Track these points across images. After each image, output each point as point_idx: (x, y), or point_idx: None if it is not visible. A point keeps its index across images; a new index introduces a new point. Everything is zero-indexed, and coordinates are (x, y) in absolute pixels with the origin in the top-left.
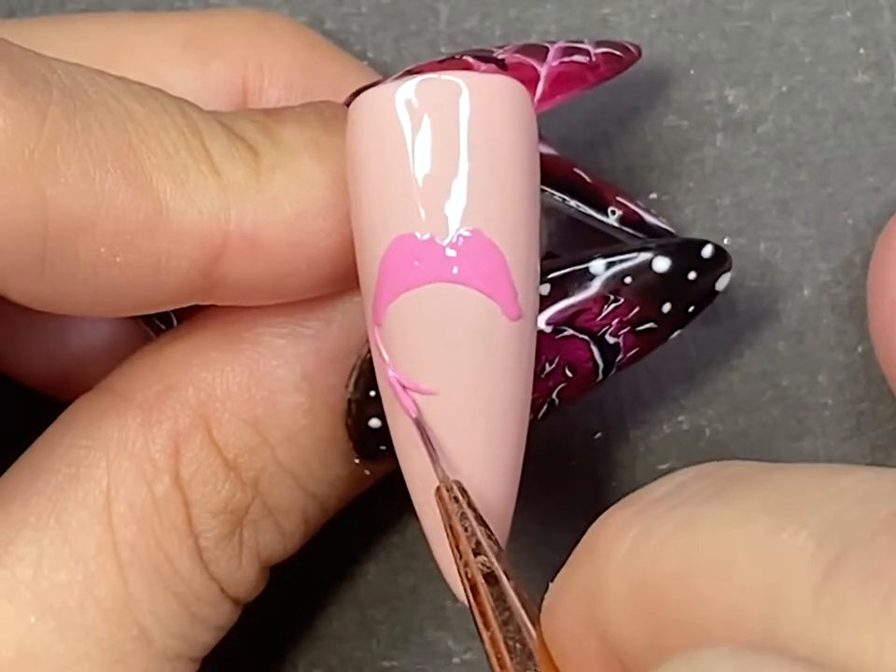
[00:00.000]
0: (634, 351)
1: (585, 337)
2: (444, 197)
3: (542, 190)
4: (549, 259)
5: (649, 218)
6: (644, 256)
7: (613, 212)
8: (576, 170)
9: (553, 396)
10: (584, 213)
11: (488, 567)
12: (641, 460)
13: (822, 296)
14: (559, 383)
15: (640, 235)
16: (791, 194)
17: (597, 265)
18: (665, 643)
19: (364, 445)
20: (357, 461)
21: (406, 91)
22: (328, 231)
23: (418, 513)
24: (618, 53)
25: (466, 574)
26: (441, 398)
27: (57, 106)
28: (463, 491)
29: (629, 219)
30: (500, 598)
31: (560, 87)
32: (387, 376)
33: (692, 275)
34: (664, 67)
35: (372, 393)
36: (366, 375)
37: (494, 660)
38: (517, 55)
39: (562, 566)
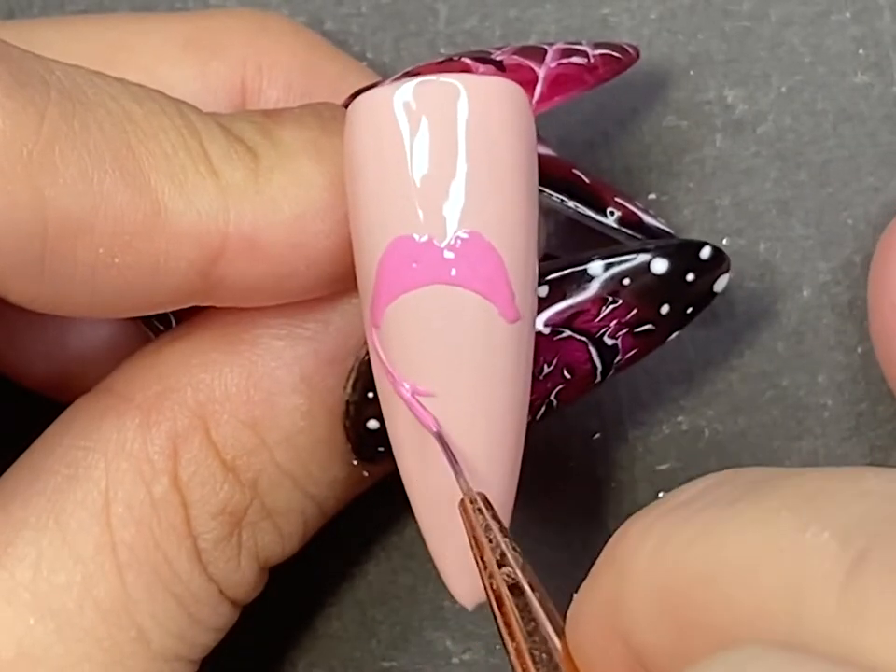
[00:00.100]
0: (632, 352)
1: (583, 338)
2: (442, 199)
3: (541, 191)
4: (547, 261)
5: (647, 219)
6: (642, 257)
7: (612, 213)
8: (574, 171)
9: (552, 397)
10: (583, 214)
11: (513, 579)
12: (640, 461)
13: (822, 296)
14: (557, 384)
15: (639, 236)
16: (791, 194)
17: (595, 267)
18: (689, 648)
19: (362, 447)
20: (355, 462)
21: (404, 92)
22: (326, 232)
23: (416, 514)
24: (616, 55)
25: (490, 585)
26: (439, 399)
27: (55, 108)
28: (487, 503)
29: (628, 220)
30: (525, 609)
31: (558, 88)
32: (401, 392)
33: (690, 277)
34: (663, 67)
35: (370, 395)
36: (364, 377)
37: (516, 663)
38: (515, 57)
39: (562, 565)
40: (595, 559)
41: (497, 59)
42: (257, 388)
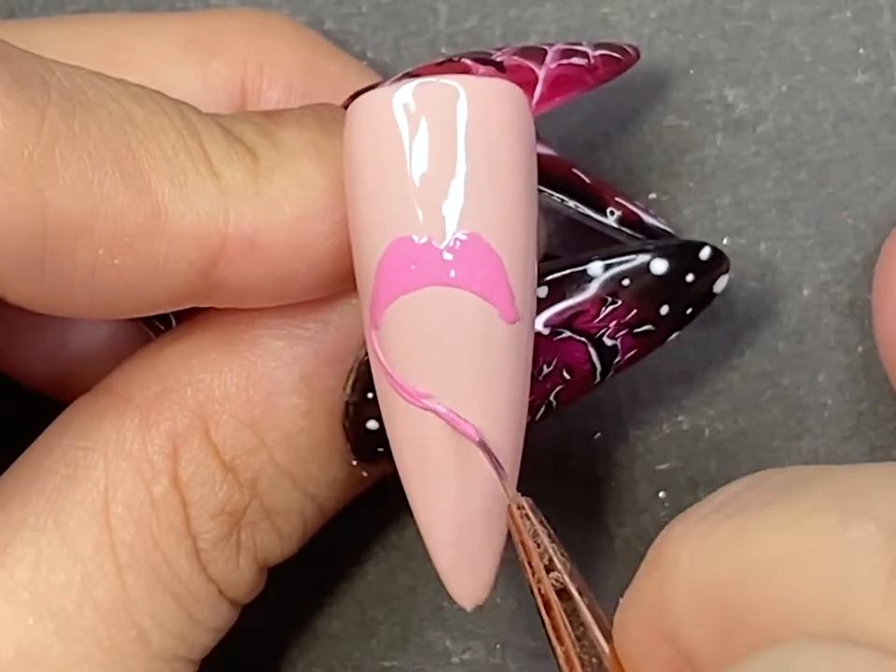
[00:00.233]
0: (632, 353)
1: (583, 339)
2: (442, 200)
3: (541, 191)
4: (547, 261)
5: (647, 219)
6: (642, 258)
7: (612, 212)
8: (575, 171)
9: (551, 398)
10: (583, 213)
11: (560, 584)
12: (640, 460)
13: (822, 296)
14: (557, 384)
15: (639, 236)
16: (791, 194)
17: (595, 267)
18: (733, 647)
19: (362, 447)
20: (354, 463)
21: (403, 94)
22: (326, 233)
23: (414, 515)
24: (616, 55)
25: (539, 590)
26: (438, 400)
27: (56, 108)
28: (533, 508)
29: (628, 220)
30: (573, 614)
31: (558, 89)
32: (436, 409)
33: (689, 277)
34: (663, 67)
35: (370, 395)
36: (363, 378)
37: (565, 667)
38: (515, 57)
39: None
40: (594, 560)
41: (498, 60)
42: (256, 388)
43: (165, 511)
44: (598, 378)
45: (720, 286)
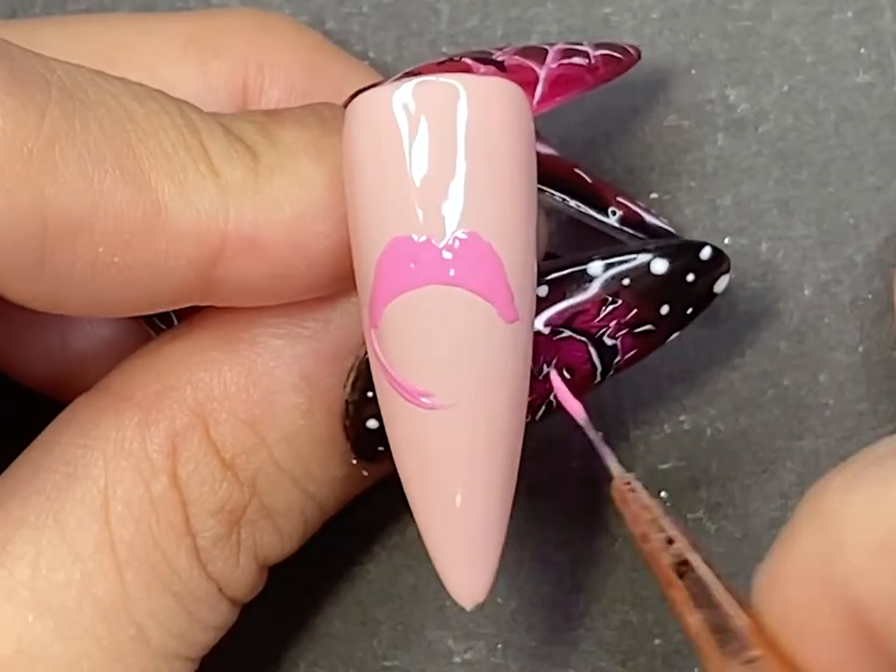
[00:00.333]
0: (632, 353)
1: (583, 338)
2: (441, 199)
3: (542, 191)
4: (547, 261)
5: (649, 218)
6: (642, 258)
7: (614, 212)
8: (576, 170)
9: (551, 397)
10: (585, 213)
11: (680, 556)
12: (642, 460)
13: (823, 295)
14: None
15: (641, 235)
16: (793, 194)
17: (596, 267)
18: None
19: (362, 446)
20: (354, 462)
21: (403, 93)
22: (326, 232)
23: (414, 514)
24: (617, 55)
25: (661, 564)
26: (437, 399)
27: (56, 106)
28: (641, 486)
29: (629, 219)
30: (698, 585)
31: (559, 89)
32: (551, 377)
33: (690, 277)
34: (665, 67)
35: (370, 394)
36: (364, 376)
37: (706, 643)
38: (516, 57)
39: (563, 565)
40: (595, 560)
41: (499, 59)
42: (256, 387)
43: (165, 509)
44: (599, 378)
45: (720, 286)
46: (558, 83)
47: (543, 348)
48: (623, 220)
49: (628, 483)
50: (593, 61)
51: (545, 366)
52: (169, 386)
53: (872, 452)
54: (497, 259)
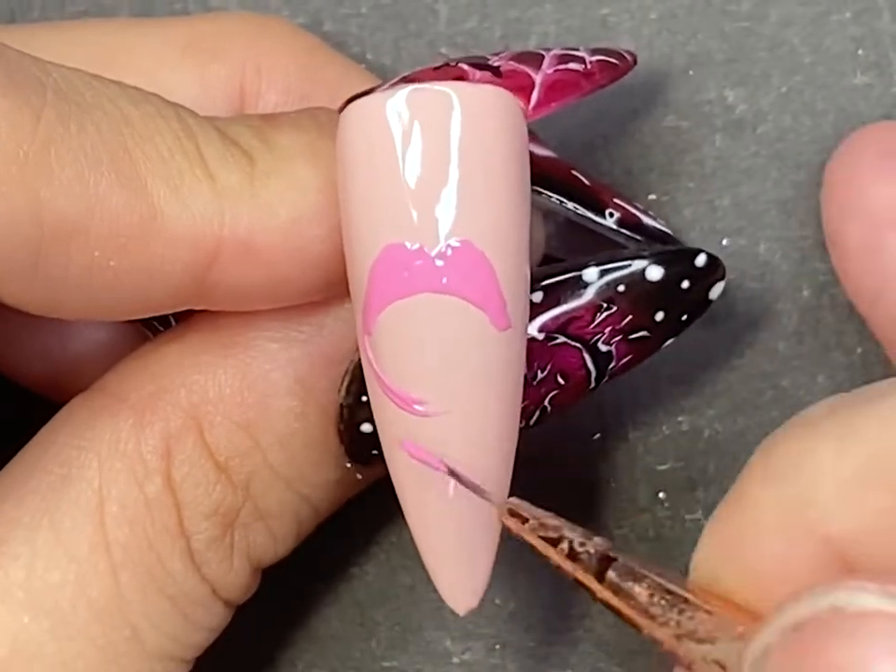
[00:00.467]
0: (626, 359)
1: (577, 345)
2: (434, 207)
3: (540, 193)
4: (542, 266)
5: (647, 220)
6: (637, 264)
7: (611, 214)
8: (574, 172)
9: (546, 403)
10: (582, 215)
11: (592, 551)
12: (640, 461)
13: (822, 296)
14: (551, 390)
15: (638, 237)
16: (791, 194)
17: (591, 273)
18: None
19: (356, 450)
20: (348, 465)
21: (397, 101)
22: (322, 237)
23: (407, 520)
24: (613, 61)
25: (576, 575)
26: (430, 406)
27: (52, 109)
28: (525, 507)
29: (627, 221)
30: (621, 574)
31: (555, 94)
32: (407, 448)
33: (685, 284)
34: (663, 68)
35: (364, 398)
36: (358, 380)
37: (644, 628)
38: (512, 62)
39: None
40: None
41: (494, 64)
42: (251, 390)
43: (159, 511)
44: (593, 384)
45: (715, 292)
46: (554, 88)
47: (537, 354)
48: (620, 222)
49: (511, 510)
50: (589, 66)
51: (539, 371)
52: (164, 388)
53: (811, 410)
54: (490, 267)
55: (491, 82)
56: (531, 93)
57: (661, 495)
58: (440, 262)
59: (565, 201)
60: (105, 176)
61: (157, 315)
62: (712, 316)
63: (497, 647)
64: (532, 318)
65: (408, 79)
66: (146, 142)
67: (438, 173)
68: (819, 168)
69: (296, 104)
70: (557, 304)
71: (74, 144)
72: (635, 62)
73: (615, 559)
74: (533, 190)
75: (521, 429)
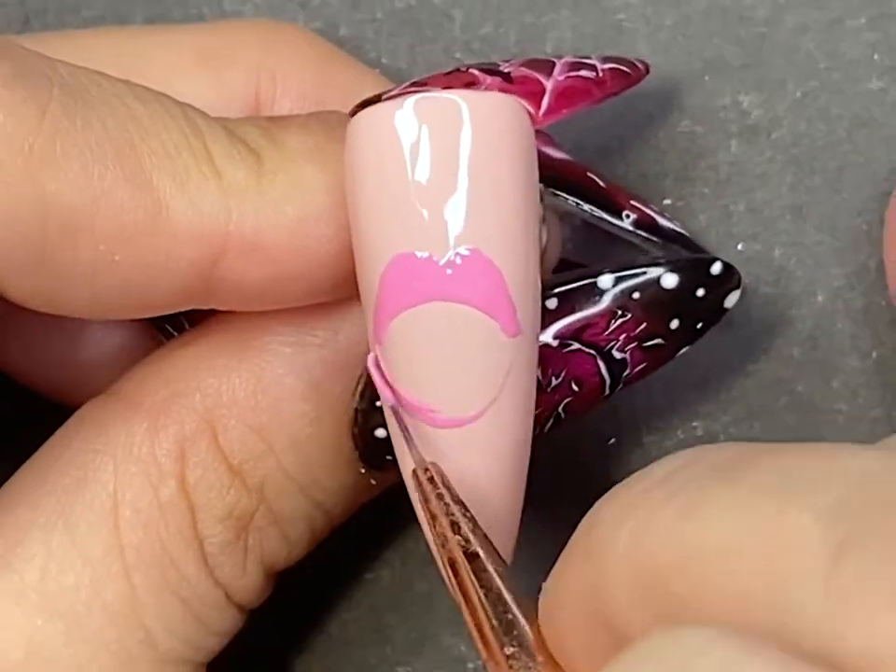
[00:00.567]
0: (641, 366)
1: (592, 352)
2: (443, 215)
3: (556, 195)
4: (559, 272)
5: (663, 222)
6: (653, 272)
7: (627, 216)
8: (589, 174)
9: (560, 410)
10: (598, 217)
11: (466, 546)
12: None
13: (837, 301)
14: (565, 396)
15: (655, 239)
16: (806, 200)
17: (605, 280)
18: None
19: (370, 455)
20: (362, 470)
21: (405, 109)
22: (329, 236)
23: (422, 525)
24: (625, 69)
25: (444, 554)
26: (442, 414)
27: (57, 103)
28: (439, 472)
29: (643, 223)
30: (481, 573)
31: (566, 101)
32: (368, 362)
33: (700, 292)
34: (678, 73)
35: (378, 403)
36: (372, 385)
37: (475, 632)
38: (523, 69)
39: None
40: None
41: (505, 70)
42: (265, 394)
43: (173, 514)
44: (607, 391)
45: (731, 301)
46: (565, 95)
47: (552, 361)
48: (636, 224)
49: (427, 471)
50: (600, 74)
51: (553, 378)
52: (178, 392)
53: (645, 477)
54: (499, 275)
55: (502, 88)
56: (541, 100)
57: None
58: (449, 271)
59: (581, 203)
60: (110, 170)
61: (163, 313)
62: (727, 321)
63: None
64: (547, 325)
65: (418, 84)
66: (152, 138)
67: (446, 181)
68: (833, 173)
69: (311, 110)
70: (572, 311)
71: (79, 138)
72: (647, 70)
73: (478, 558)
74: (549, 193)
75: (535, 436)
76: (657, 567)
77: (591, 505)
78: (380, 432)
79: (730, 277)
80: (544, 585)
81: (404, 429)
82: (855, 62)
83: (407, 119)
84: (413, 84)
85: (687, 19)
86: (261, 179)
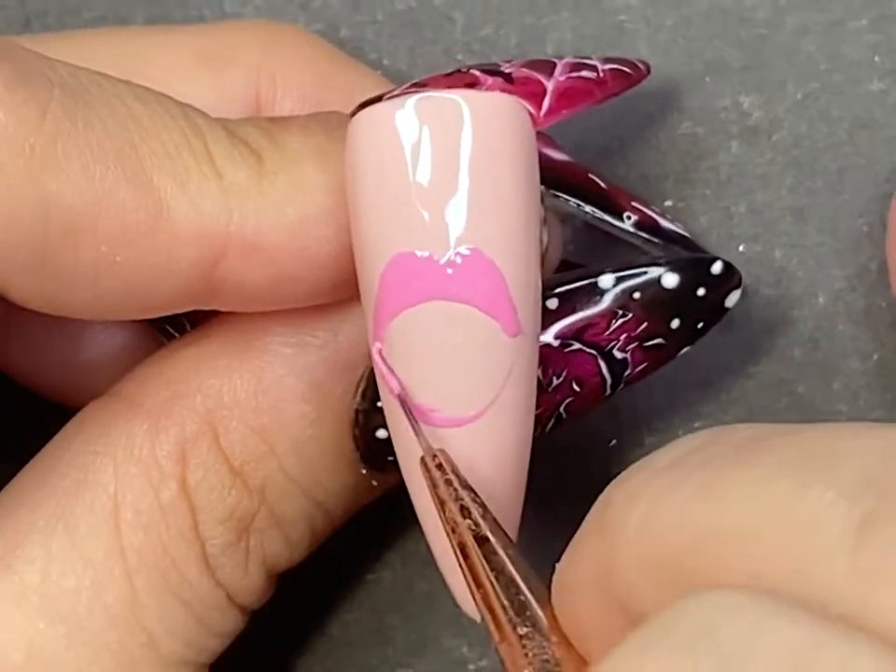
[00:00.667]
0: (642, 366)
1: (593, 351)
2: (443, 215)
3: (557, 196)
4: (559, 273)
5: (664, 223)
6: (653, 272)
7: (629, 217)
8: (590, 175)
9: (561, 410)
10: (600, 218)
11: (476, 530)
12: None
13: (838, 303)
14: (566, 396)
15: (656, 240)
16: (807, 201)
17: (606, 280)
18: None
19: (371, 456)
20: (363, 471)
21: (405, 109)
22: (329, 236)
23: (423, 527)
24: (626, 70)
25: (455, 539)
26: (442, 414)
27: (58, 104)
28: (447, 459)
29: (644, 224)
30: (490, 557)
31: (567, 101)
32: (373, 354)
33: (701, 292)
34: (679, 74)
35: (379, 403)
36: (373, 386)
37: (487, 615)
38: (524, 69)
39: None
40: None
41: (506, 71)
42: (266, 395)
43: (174, 515)
44: (609, 391)
45: (731, 300)
46: (566, 96)
47: (553, 361)
48: (638, 225)
49: (435, 457)
50: (601, 74)
51: (554, 378)
52: (179, 394)
53: (661, 457)
54: (500, 275)
55: (503, 88)
56: (542, 100)
57: None
58: (450, 270)
59: (582, 204)
60: (111, 171)
61: (164, 314)
62: (728, 323)
63: None
64: (548, 325)
65: (419, 85)
66: (152, 138)
67: (447, 181)
68: (834, 175)
69: (311, 111)
70: (573, 311)
71: (80, 139)
72: (648, 71)
73: (488, 541)
74: (550, 194)
75: (536, 436)
76: (671, 547)
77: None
78: (381, 433)
79: (730, 277)
80: (557, 566)
81: (411, 417)
82: (856, 63)
83: (408, 118)
84: (414, 85)
85: (687, 20)
86: (262, 180)
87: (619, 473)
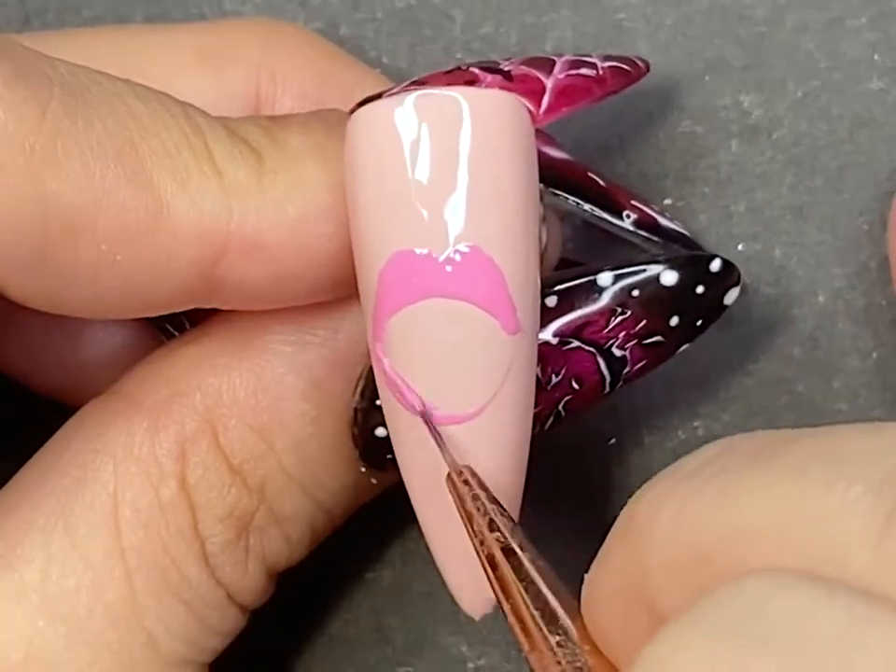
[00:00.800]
0: (641, 364)
1: (592, 349)
2: (442, 212)
3: (556, 195)
4: (558, 271)
5: (664, 222)
6: (652, 269)
7: (628, 215)
8: (590, 174)
9: (560, 407)
10: (599, 217)
11: (504, 542)
12: (656, 465)
13: (837, 301)
14: (565, 394)
15: (656, 238)
16: (807, 200)
17: (605, 278)
18: None
19: (370, 454)
20: (363, 469)
21: (405, 106)
22: (329, 234)
23: (422, 526)
24: (626, 67)
25: (483, 551)
26: (441, 411)
27: (58, 102)
28: (473, 474)
29: (644, 222)
30: (519, 569)
31: (566, 99)
32: (386, 373)
33: (700, 289)
34: (678, 73)
35: (378, 402)
36: (372, 384)
37: (517, 628)
38: (523, 67)
39: (577, 572)
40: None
41: (506, 69)
42: (265, 393)
43: (174, 514)
44: (607, 389)
45: (730, 298)
46: (565, 93)
47: (552, 358)
48: (637, 223)
49: (460, 475)
50: (601, 72)
51: (553, 376)
52: (178, 392)
53: (683, 466)
54: (499, 272)
55: (502, 86)
56: (542, 98)
57: None
58: (449, 268)
59: (581, 203)
60: (111, 170)
61: (165, 312)
62: (728, 321)
63: (513, 653)
64: (546, 323)
65: (418, 83)
66: (152, 137)
67: (446, 178)
68: (834, 173)
69: (311, 109)
70: (571, 309)
71: (80, 138)
72: (647, 69)
73: (516, 554)
74: (549, 192)
75: (535, 434)
76: (699, 547)
77: (591, 504)
78: (380, 431)
79: (729, 274)
80: (586, 577)
81: (436, 435)
82: (856, 61)
83: (407, 116)
84: (414, 83)
85: (687, 18)
86: (262, 178)
87: (618, 471)
